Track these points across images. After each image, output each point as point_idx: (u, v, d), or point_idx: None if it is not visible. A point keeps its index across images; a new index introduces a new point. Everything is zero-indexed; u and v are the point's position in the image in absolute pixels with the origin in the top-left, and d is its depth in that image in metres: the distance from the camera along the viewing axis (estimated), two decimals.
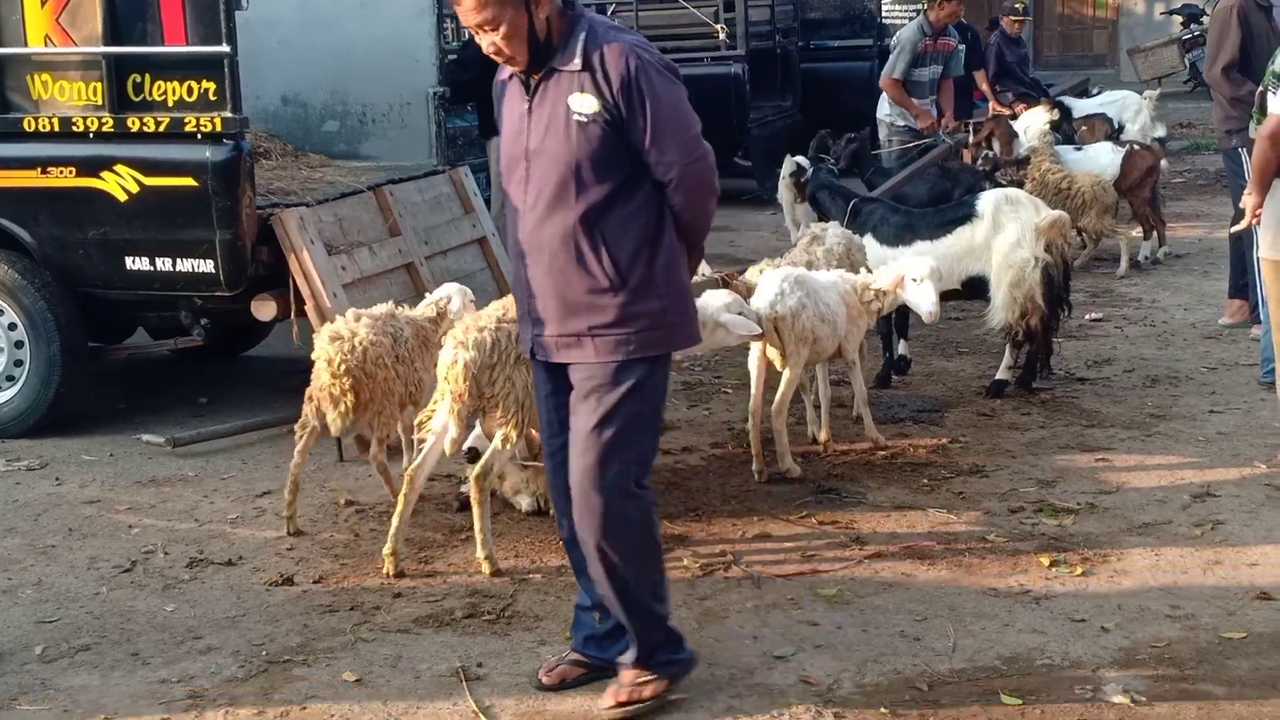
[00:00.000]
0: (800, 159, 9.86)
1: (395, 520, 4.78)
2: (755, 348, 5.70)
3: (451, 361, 4.59)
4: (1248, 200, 5.42)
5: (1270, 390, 6.03)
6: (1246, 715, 3.70)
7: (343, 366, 4.98)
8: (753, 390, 5.72)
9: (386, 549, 4.77)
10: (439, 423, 4.75)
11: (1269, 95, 5.32)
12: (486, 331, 4.59)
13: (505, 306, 4.73)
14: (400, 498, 4.76)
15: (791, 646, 4.18)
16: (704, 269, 6.10)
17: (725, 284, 5.73)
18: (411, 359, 5.20)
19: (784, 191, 10.06)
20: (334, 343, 5.04)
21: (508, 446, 4.68)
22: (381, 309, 5.30)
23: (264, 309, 6.12)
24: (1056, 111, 10.56)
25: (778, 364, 5.62)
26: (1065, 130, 10.88)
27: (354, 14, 7.21)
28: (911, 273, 5.72)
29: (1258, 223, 5.38)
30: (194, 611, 4.56)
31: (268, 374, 7.44)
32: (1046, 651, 4.10)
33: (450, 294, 5.48)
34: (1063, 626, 4.26)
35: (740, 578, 4.69)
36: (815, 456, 5.87)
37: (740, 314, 5.31)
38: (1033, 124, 9.90)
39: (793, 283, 5.58)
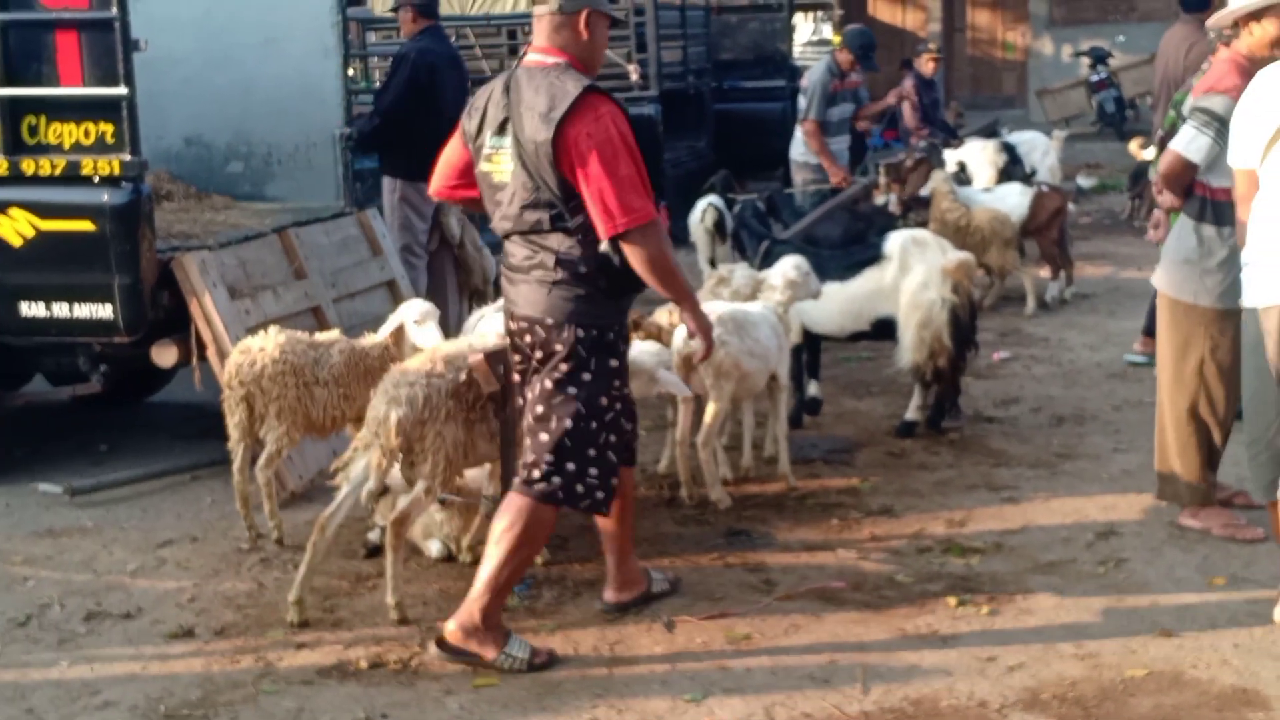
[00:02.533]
0: (715, 200, 9.90)
1: (302, 568, 4.70)
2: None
3: (383, 417, 4.54)
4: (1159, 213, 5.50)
5: None
6: None
7: (238, 378, 5.21)
8: (680, 419, 5.75)
9: (292, 596, 4.69)
10: (357, 471, 4.71)
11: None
12: (418, 386, 4.56)
13: (433, 359, 4.70)
14: (309, 545, 4.69)
15: (700, 690, 4.15)
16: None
17: (635, 326, 5.73)
18: (340, 384, 5.31)
19: (700, 231, 10.07)
20: (240, 354, 5.28)
21: (429, 498, 4.63)
22: (329, 335, 5.52)
23: (165, 355, 6.01)
24: (1004, 154, 10.84)
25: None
26: (1018, 173, 11.12)
27: (258, 53, 7.14)
28: (411, 315, 5.52)
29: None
30: (91, 666, 4.44)
31: (170, 420, 7.29)
32: (953, 692, 4.11)
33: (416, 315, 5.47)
34: (969, 666, 4.27)
35: (651, 621, 4.66)
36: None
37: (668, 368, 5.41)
38: (981, 160, 10.09)
39: (714, 319, 5.59)
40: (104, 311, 5.85)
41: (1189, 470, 5.27)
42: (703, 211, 9.52)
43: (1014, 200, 9.42)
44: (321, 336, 5.51)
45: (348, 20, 7.71)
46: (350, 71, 7.81)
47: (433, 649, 4.33)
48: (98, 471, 6.40)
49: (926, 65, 12.96)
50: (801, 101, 9.86)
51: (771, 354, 5.85)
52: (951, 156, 11.11)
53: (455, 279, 8.27)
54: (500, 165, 4.24)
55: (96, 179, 5.78)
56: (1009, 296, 9.69)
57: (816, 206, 9.06)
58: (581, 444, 4.26)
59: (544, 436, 4.25)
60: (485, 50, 12.85)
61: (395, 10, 8.43)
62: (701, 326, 4.45)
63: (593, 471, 4.29)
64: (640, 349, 5.35)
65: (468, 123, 4.42)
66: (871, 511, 5.70)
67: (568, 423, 4.23)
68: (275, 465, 5.36)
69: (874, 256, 6.70)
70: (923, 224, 8.66)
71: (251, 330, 5.80)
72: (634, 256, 4.15)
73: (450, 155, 4.59)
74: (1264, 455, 4.49)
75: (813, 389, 7.13)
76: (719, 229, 9.41)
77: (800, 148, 9.97)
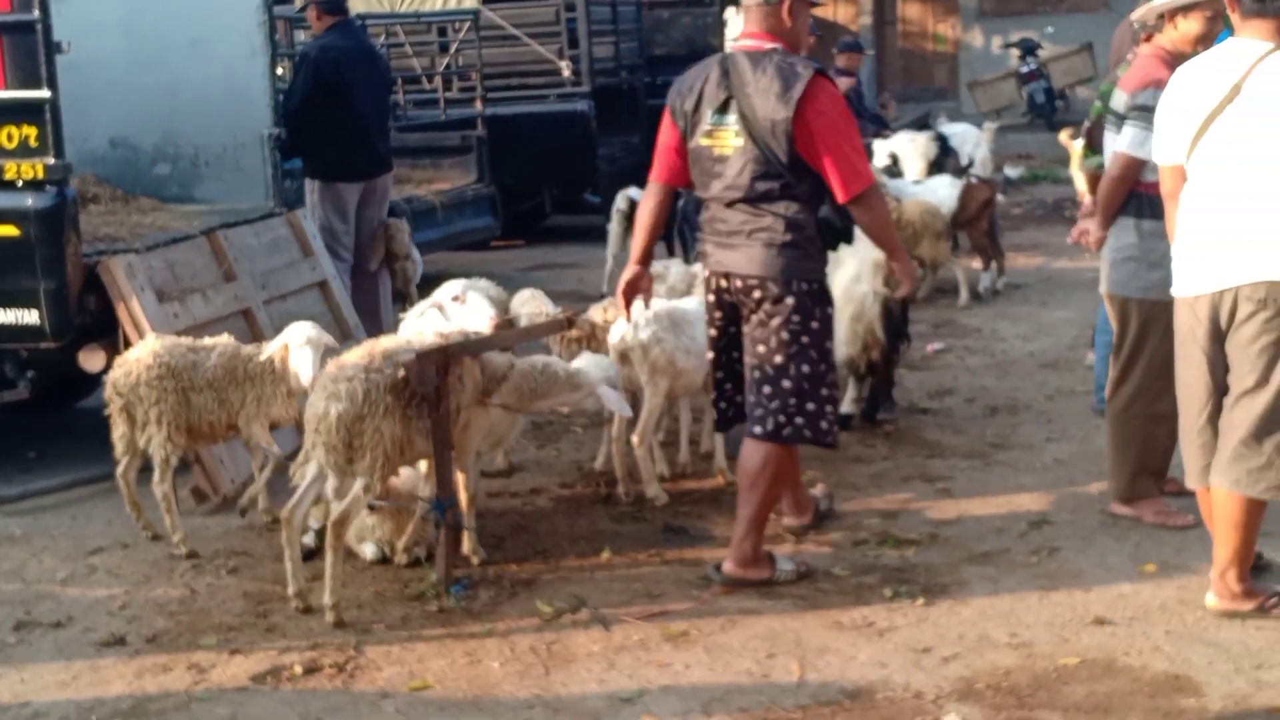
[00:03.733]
0: (633, 192, 10.01)
1: (289, 565, 4.68)
2: (618, 378, 5.74)
3: (322, 414, 4.52)
4: (1091, 229, 5.56)
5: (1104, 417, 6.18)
6: None
7: (115, 390, 5.19)
8: (616, 417, 5.76)
9: (292, 590, 4.69)
10: (311, 473, 4.70)
11: (1107, 134, 5.48)
12: (357, 381, 4.55)
13: (370, 354, 4.68)
14: (285, 543, 4.68)
15: (638, 688, 4.15)
16: (547, 307, 6.10)
17: (569, 323, 5.72)
18: (216, 389, 5.24)
19: (615, 225, 10.12)
20: (117, 366, 5.25)
21: (367, 495, 4.61)
22: (214, 340, 5.40)
23: (92, 359, 5.92)
24: (935, 146, 10.91)
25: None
26: (949, 165, 11.20)
27: (184, 54, 7.04)
28: (292, 339, 5.38)
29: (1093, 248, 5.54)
30: (20, 677, 4.36)
31: (99, 426, 7.12)
32: (889, 683, 4.13)
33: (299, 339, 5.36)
34: (905, 658, 4.29)
35: (588, 620, 4.65)
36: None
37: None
38: (911, 153, 10.14)
39: (651, 316, 5.61)
40: (30, 317, 5.76)
41: (1144, 463, 5.33)
42: (617, 199, 9.61)
43: (944, 192, 9.49)
44: (206, 341, 5.41)
45: (275, 19, 7.61)
46: (280, 70, 7.71)
47: (717, 577, 4.89)
48: (26, 479, 6.30)
49: (840, 59, 12.98)
50: None
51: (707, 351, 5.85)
52: (883, 149, 11.18)
53: (391, 286, 8.24)
54: (724, 140, 4.72)
55: (20, 183, 5.69)
56: (942, 288, 9.77)
57: None
58: (817, 385, 4.78)
59: (786, 383, 4.73)
60: (415, 48, 12.77)
61: (302, 10, 8.38)
62: (908, 273, 4.99)
63: (828, 409, 4.84)
64: (589, 362, 5.34)
65: (679, 103, 4.87)
66: None
67: (805, 368, 4.74)
68: (168, 478, 5.26)
69: None
70: None
71: (182, 333, 5.73)
72: (865, 215, 4.73)
73: (665, 139, 5.00)
74: (1195, 442, 4.54)
75: None
76: (630, 221, 9.49)
77: None
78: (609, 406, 5.31)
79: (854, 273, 6.49)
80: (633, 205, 9.48)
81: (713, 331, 5.02)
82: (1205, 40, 5.00)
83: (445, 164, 11.16)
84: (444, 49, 12.86)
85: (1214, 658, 4.20)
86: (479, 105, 11.44)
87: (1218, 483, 4.41)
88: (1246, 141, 4.23)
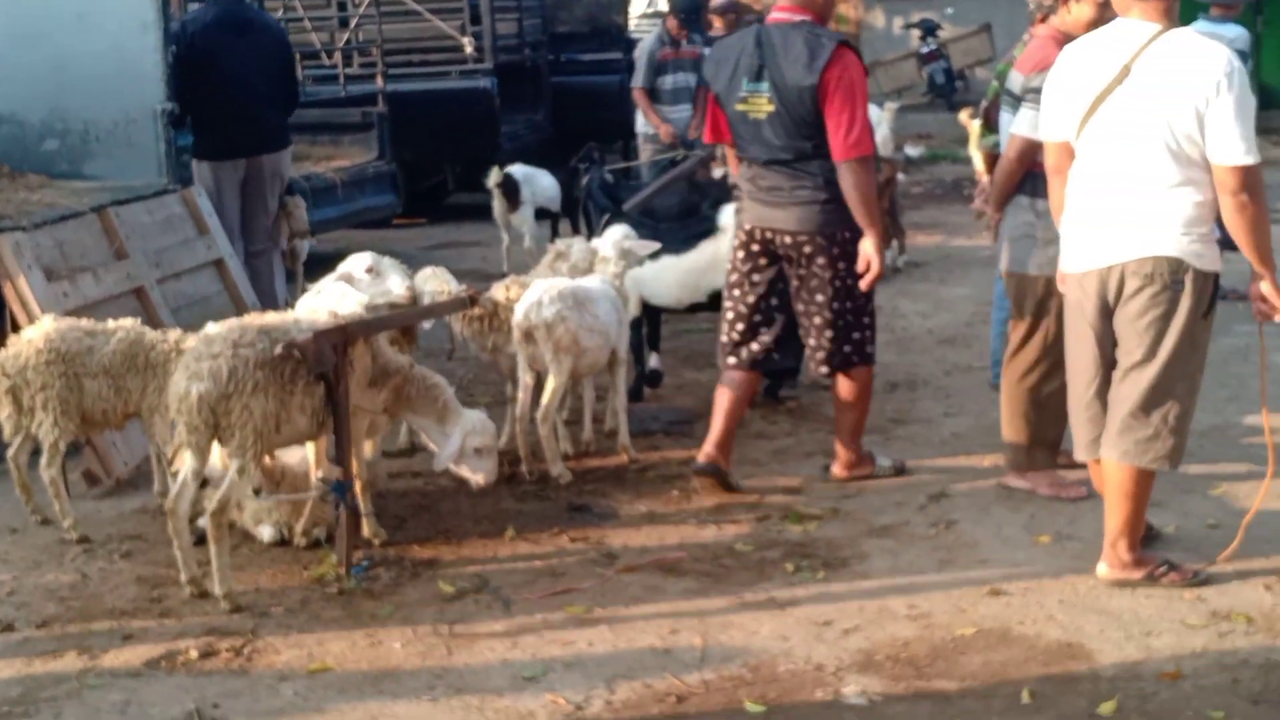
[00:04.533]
0: (514, 169, 10.05)
1: (179, 554, 4.58)
2: (522, 357, 5.70)
3: (183, 394, 4.40)
4: (987, 211, 5.63)
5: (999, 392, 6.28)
6: (977, 709, 3.82)
7: (1, 371, 5.03)
8: (520, 395, 5.72)
9: (185, 578, 4.61)
10: (190, 459, 4.57)
11: (1003, 113, 5.55)
12: (222, 359, 4.41)
13: (244, 328, 4.57)
14: (173, 535, 4.57)
15: (541, 667, 4.14)
16: (450, 285, 6.05)
17: (472, 301, 5.68)
18: (113, 375, 5.03)
19: (495, 202, 10.17)
20: (8, 346, 5.06)
21: (243, 478, 4.51)
22: (117, 323, 5.17)
23: None
24: None
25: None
26: None
27: (72, 28, 6.87)
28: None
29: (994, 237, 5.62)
30: None
31: None
32: (791, 657, 4.17)
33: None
34: (806, 631, 4.33)
35: (491, 600, 4.62)
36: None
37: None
38: None
39: (554, 295, 5.59)
40: None
41: (1038, 435, 5.42)
42: (491, 174, 9.67)
43: None
44: (108, 324, 5.19)
45: None
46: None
47: (823, 476, 5.69)
48: None
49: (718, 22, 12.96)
50: None
51: (611, 329, 5.85)
52: None
53: (283, 264, 8.12)
54: (758, 106, 5.23)
55: None
56: None
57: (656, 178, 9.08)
58: (863, 316, 5.45)
59: (843, 321, 5.37)
60: (314, 23, 12.57)
61: None
62: (879, 252, 5.28)
63: (870, 334, 5.51)
64: (475, 420, 5.06)
65: (715, 71, 5.43)
66: None
67: (855, 303, 5.37)
68: (57, 463, 5.09)
69: (709, 229, 6.74)
70: None
71: (71, 313, 5.61)
72: (852, 179, 5.16)
73: (708, 107, 5.53)
74: (1084, 415, 4.63)
75: (653, 361, 7.15)
76: (507, 192, 9.56)
77: (642, 119, 9.97)
78: (440, 463, 5.05)
79: None
80: (507, 180, 9.54)
81: (753, 278, 5.50)
82: (1097, 25, 5.08)
83: (345, 141, 11.00)
84: (344, 24, 12.68)
85: (1105, 625, 4.29)
86: (380, 81, 11.30)
87: (1107, 454, 4.50)
88: (1134, 122, 4.29)
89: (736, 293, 5.55)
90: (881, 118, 12.36)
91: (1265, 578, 4.58)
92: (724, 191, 8.74)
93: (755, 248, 5.46)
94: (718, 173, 10.02)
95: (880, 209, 9.54)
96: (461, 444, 4.96)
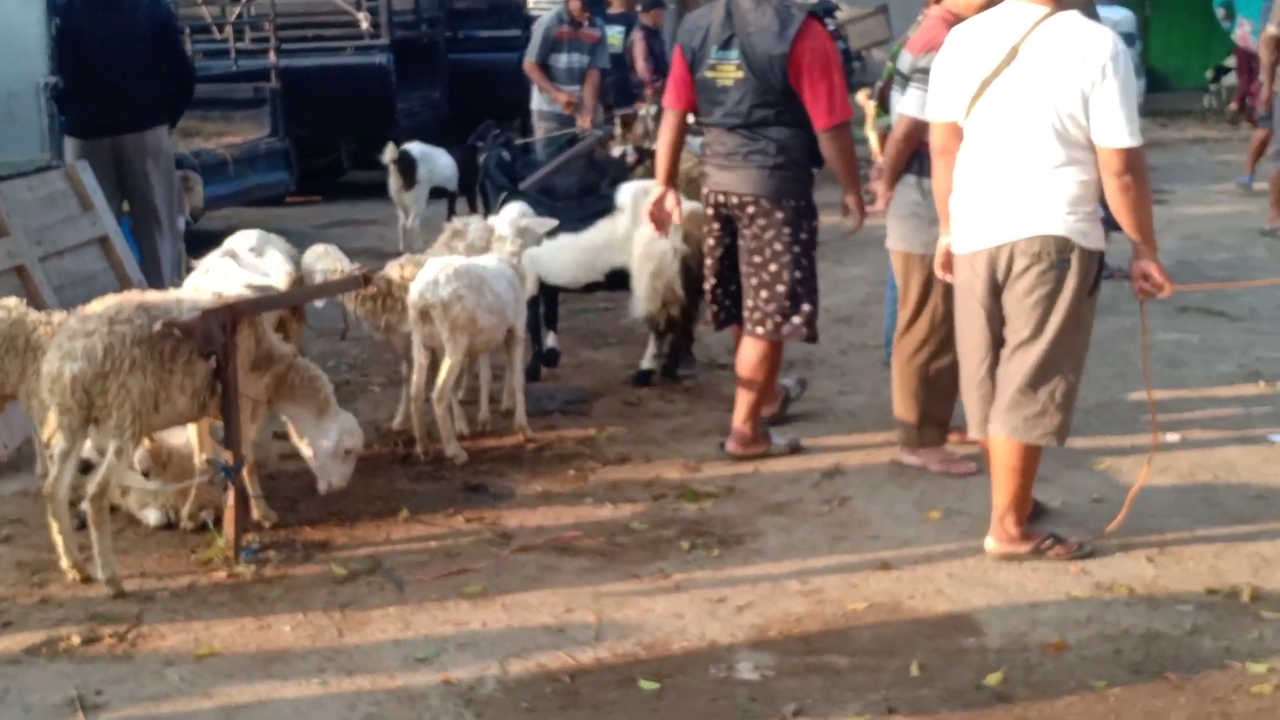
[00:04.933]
0: (411, 146, 9.98)
1: (57, 538, 4.49)
2: (417, 337, 5.64)
3: (56, 374, 4.28)
4: (877, 190, 5.68)
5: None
6: (866, 683, 3.86)
7: None
8: (415, 375, 5.68)
9: (65, 563, 4.51)
10: (62, 441, 4.45)
11: (894, 94, 5.59)
12: (97, 337, 4.29)
13: (121, 304, 4.45)
14: (51, 520, 4.47)
15: (434, 647, 4.11)
16: (343, 264, 5.97)
17: (365, 280, 5.61)
18: None
19: (391, 179, 10.10)
20: None
21: (122, 460, 4.40)
22: (4, 302, 4.95)
23: None
24: None
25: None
26: None
27: None
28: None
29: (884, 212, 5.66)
30: None
31: None
32: (685, 634, 4.18)
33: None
34: (700, 608, 4.35)
35: (384, 581, 4.58)
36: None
37: None
38: None
39: (450, 273, 5.54)
40: None
41: (929, 413, 5.48)
42: (386, 150, 9.61)
43: None
44: None
45: None
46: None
47: (720, 453, 5.69)
48: None
49: (644, 17, 12.99)
50: None
51: (508, 307, 5.82)
52: None
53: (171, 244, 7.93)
54: (725, 72, 5.40)
55: None
56: None
57: (553, 157, 9.03)
58: (806, 290, 5.54)
59: (780, 288, 5.48)
60: None
61: None
62: (859, 207, 5.61)
63: (810, 310, 5.57)
64: (349, 423, 5.03)
65: (688, 40, 5.54)
66: (608, 461, 5.74)
67: (797, 274, 5.47)
68: None
69: (607, 207, 6.72)
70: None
71: None
72: (834, 145, 5.38)
73: (677, 72, 5.63)
74: (976, 394, 4.69)
75: (550, 340, 7.12)
76: (403, 169, 9.51)
77: (536, 97, 9.91)
78: (317, 456, 4.94)
79: (654, 230, 6.50)
80: (403, 156, 9.46)
81: (710, 241, 5.71)
82: (987, 7, 5.12)
83: (237, 117, 10.80)
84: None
85: (993, 598, 4.36)
86: (272, 56, 11.11)
87: (996, 431, 4.56)
88: (1021, 104, 4.34)
89: (707, 258, 5.81)
90: None
91: (1147, 550, 4.68)
92: (622, 170, 8.74)
93: (711, 212, 5.67)
94: (616, 151, 10.03)
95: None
96: (338, 442, 4.90)
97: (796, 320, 5.53)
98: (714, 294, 5.80)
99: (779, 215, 5.43)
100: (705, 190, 5.67)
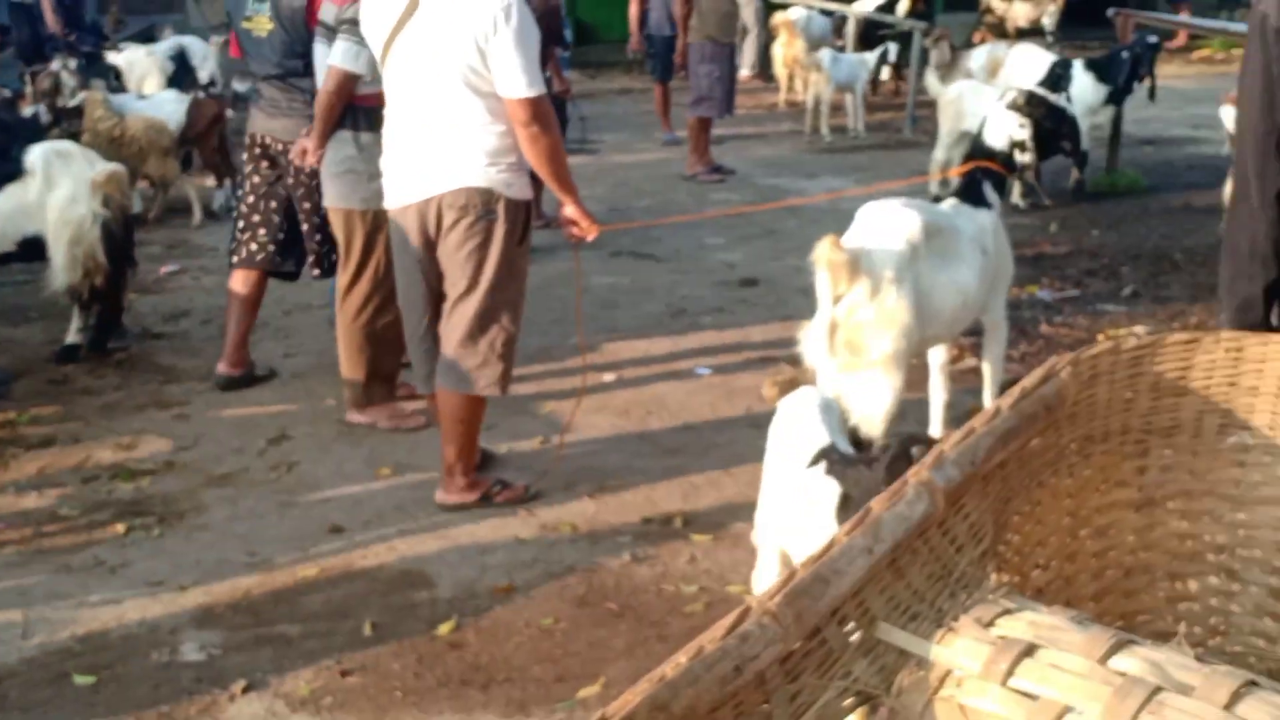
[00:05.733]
0: None
1: None
2: None
3: None
4: (308, 146, 5.52)
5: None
6: (318, 649, 3.79)
7: None
8: None
9: None
10: None
11: (317, 45, 5.43)
12: None
13: None
14: None
15: None
16: None
17: None
18: None
19: None
20: None
21: None
22: None
23: None
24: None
25: None
26: (187, 81, 10.88)
27: None
28: None
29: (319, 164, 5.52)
30: None
31: None
32: (124, 621, 3.94)
33: None
34: (140, 593, 4.11)
35: None
36: None
37: None
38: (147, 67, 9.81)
39: None
40: None
41: (376, 370, 5.43)
42: None
43: (170, 108, 9.08)
44: None
45: None
46: None
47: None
48: None
49: None
50: None
51: None
52: (116, 62, 10.67)
53: None
54: (260, 24, 5.65)
55: None
56: (175, 208, 9.39)
57: None
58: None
59: (304, 227, 5.81)
60: None
61: None
62: (318, 148, 5.37)
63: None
64: None
65: None
66: (33, 445, 5.32)
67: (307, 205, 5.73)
68: None
69: (15, 171, 6.17)
70: (75, 135, 8.15)
71: None
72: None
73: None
74: (420, 349, 4.70)
75: None
76: None
77: None
78: None
79: (69, 194, 6.06)
80: None
81: (245, 179, 5.91)
82: None
83: None
84: None
85: (444, 550, 4.40)
86: None
87: (441, 384, 4.60)
88: (429, 56, 4.33)
89: (241, 195, 5.96)
90: (209, 51, 11.99)
91: (588, 487, 4.88)
92: (35, 133, 8.08)
93: (257, 151, 5.83)
94: (28, 111, 9.25)
95: (210, 147, 9.35)
96: None
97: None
98: (240, 234, 5.93)
99: (310, 161, 5.58)
100: (249, 130, 5.86)
